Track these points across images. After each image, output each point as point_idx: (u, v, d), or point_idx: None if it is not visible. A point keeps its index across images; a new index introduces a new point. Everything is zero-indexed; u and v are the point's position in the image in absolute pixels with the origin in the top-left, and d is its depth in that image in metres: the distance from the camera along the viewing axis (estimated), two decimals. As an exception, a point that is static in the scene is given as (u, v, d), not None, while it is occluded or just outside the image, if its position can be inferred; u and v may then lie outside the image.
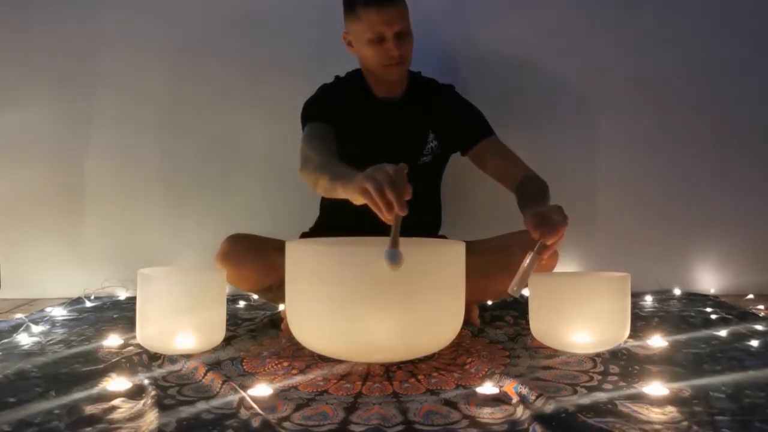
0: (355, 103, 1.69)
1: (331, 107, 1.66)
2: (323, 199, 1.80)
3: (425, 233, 1.69)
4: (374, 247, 1.36)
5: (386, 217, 1.13)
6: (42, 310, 1.83)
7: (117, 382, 1.13)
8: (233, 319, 1.69)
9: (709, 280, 2.13)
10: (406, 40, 1.61)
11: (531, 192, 1.56)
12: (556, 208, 1.36)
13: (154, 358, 1.33)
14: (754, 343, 1.40)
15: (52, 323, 1.68)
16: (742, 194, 2.12)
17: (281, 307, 1.68)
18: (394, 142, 1.68)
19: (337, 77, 1.76)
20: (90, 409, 1.02)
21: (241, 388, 1.08)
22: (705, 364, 1.25)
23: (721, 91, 2.10)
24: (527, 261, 1.35)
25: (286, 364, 1.28)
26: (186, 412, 1.01)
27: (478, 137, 1.72)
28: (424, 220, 1.76)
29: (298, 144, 1.61)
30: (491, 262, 1.53)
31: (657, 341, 1.40)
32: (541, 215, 1.35)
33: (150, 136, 2.15)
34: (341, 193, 1.26)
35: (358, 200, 1.19)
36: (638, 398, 1.05)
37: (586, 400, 1.04)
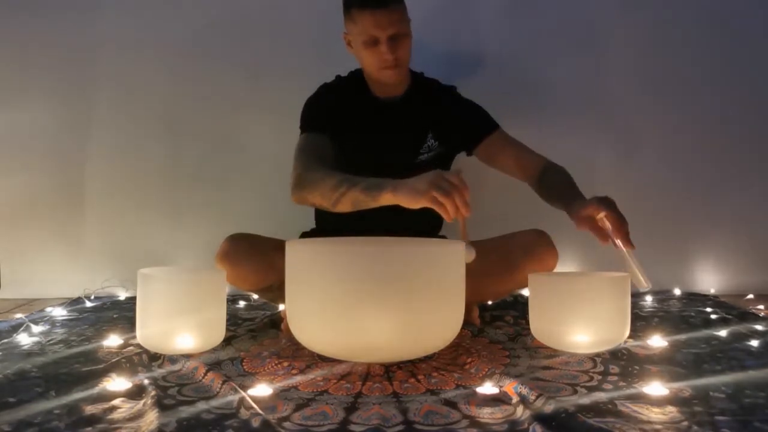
0: (354, 103, 1.69)
1: (327, 112, 1.66)
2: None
3: (425, 233, 1.69)
4: (374, 247, 1.37)
5: (451, 217, 1.26)
6: (42, 310, 1.83)
7: (117, 382, 1.13)
8: (233, 319, 1.69)
9: (709, 280, 2.13)
10: (402, 43, 1.60)
11: (561, 184, 1.56)
12: (598, 201, 1.37)
13: (154, 358, 1.32)
14: (754, 343, 1.40)
15: (52, 323, 1.68)
16: (742, 194, 2.12)
17: (281, 307, 1.69)
18: (391, 142, 1.69)
19: (338, 76, 1.76)
20: (90, 409, 1.02)
21: (241, 388, 1.08)
22: (705, 364, 1.25)
23: (722, 91, 2.11)
24: (627, 257, 1.34)
25: (286, 364, 1.28)
26: (186, 412, 1.01)
27: (481, 134, 1.71)
28: (423, 220, 1.76)
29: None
30: (491, 262, 1.54)
31: (657, 341, 1.40)
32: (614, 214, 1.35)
33: (150, 136, 2.15)
34: (389, 199, 1.35)
35: (416, 205, 1.30)
36: (638, 398, 1.05)
37: (586, 400, 1.04)
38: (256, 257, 1.55)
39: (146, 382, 1.15)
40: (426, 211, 1.77)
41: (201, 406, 1.03)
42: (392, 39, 1.58)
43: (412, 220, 1.63)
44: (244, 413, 0.99)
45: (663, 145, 2.12)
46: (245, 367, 1.28)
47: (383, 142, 1.68)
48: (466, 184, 1.25)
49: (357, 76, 1.73)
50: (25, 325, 1.58)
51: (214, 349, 1.38)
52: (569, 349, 1.33)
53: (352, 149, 1.69)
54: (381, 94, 1.70)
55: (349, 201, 1.41)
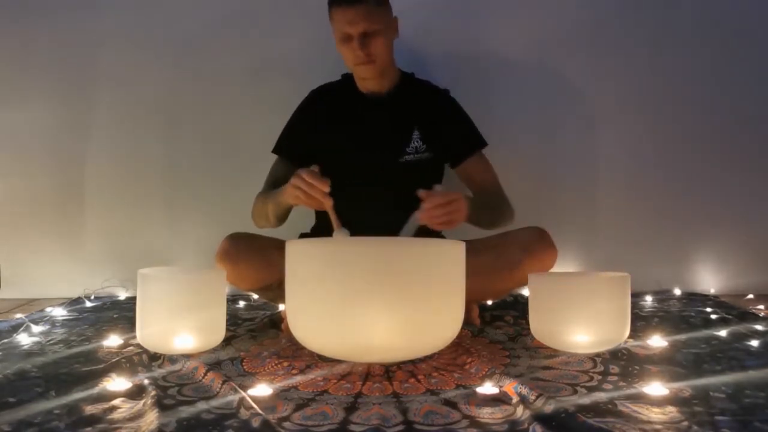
0: (341, 101, 1.74)
1: (298, 132, 1.75)
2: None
3: (425, 233, 1.69)
4: (374, 247, 1.37)
5: (319, 207, 1.45)
6: (42, 310, 1.83)
7: (117, 382, 1.13)
8: (233, 319, 1.69)
9: (709, 280, 2.12)
10: (374, 40, 1.61)
11: (483, 200, 1.66)
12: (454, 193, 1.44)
13: (154, 358, 1.33)
14: (754, 343, 1.40)
15: (52, 323, 1.68)
16: (742, 194, 2.12)
17: (281, 307, 1.69)
18: (376, 137, 1.70)
19: (329, 83, 1.81)
20: (90, 409, 1.02)
21: (241, 388, 1.08)
22: (705, 364, 1.25)
23: (721, 91, 2.10)
24: (410, 219, 1.44)
25: (286, 364, 1.28)
26: (186, 412, 1.01)
27: (463, 156, 1.74)
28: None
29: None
30: (491, 261, 1.53)
31: (657, 341, 1.40)
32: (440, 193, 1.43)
33: (150, 136, 2.15)
34: (283, 203, 1.55)
35: (294, 203, 1.50)
36: (638, 398, 1.05)
37: (586, 400, 1.04)
38: (255, 256, 1.55)
39: (146, 382, 1.15)
40: (416, 208, 1.78)
41: (201, 406, 1.03)
42: (364, 36, 1.60)
43: (401, 218, 1.64)
44: (244, 413, 0.99)
45: (663, 145, 2.12)
46: (245, 367, 1.28)
47: (368, 138, 1.70)
48: (321, 178, 1.41)
49: (348, 75, 1.78)
50: (25, 325, 1.58)
51: (214, 349, 1.38)
52: (569, 349, 1.33)
53: (338, 145, 1.71)
54: (366, 91, 1.73)
55: (271, 214, 1.64)
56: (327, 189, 1.40)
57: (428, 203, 1.39)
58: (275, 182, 1.72)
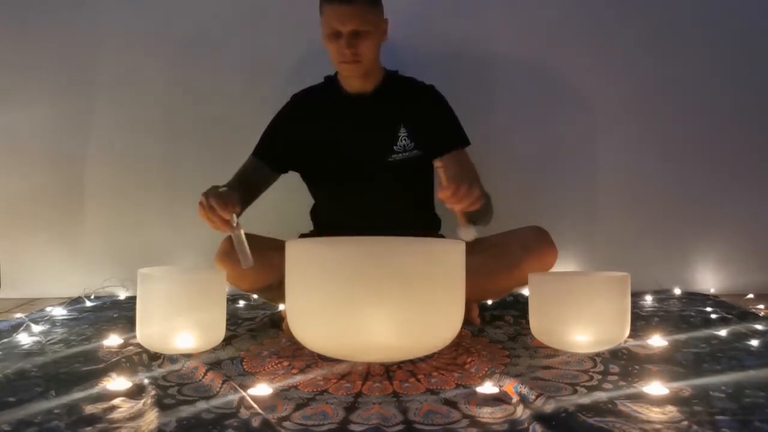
0: (325, 101, 1.73)
1: (278, 135, 1.74)
2: (312, 211, 1.84)
3: (420, 232, 1.69)
4: (374, 247, 1.37)
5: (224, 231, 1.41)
6: (42, 310, 1.83)
7: (117, 382, 1.13)
8: (233, 319, 1.69)
9: (709, 280, 2.13)
10: (363, 39, 1.61)
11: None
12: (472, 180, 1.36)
13: (154, 358, 1.33)
14: (754, 342, 1.40)
15: (52, 323, 1.68)
16: (742, 194, 2.12)
17: (281, 306, 1.69)
18: (363, 137, 1.70)
19: (310, 86, 1.80)
20: (90, 409, 1.02)
21: (241, 388, 1.08)
22: (705, 363, 1.26)
23: (722, 91, 2.10)
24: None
25: (286, 363, 1.28)
26: (186, 411, 1.01)
27: (447, 148, 1.70)
28: (421, 219, 1.76)
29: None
30: (491, 260, 1.53)
31: (657, 341, 1.40)
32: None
33: (150, 136, 2.15)
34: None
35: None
36: (638, 398, 1.05)
37: (586, 399, 1.04)
38: (255, 256, 1.54)
39: (146, 381, 1.15)
40: (412, 209, 1.77)
41: (201, 405, 1.03)
42: (353, 35, 1.60)
43: (410, 220, 1.64)
44: (244, 413, 0.99)
45: (663, 145, 2.12)
46: (245, 366, 1.28)
47: (354, 138, 1.70)
48: (225, 204, 1.37)
49: (330, 77, 1.77)
50: (25, 325, 1.58)
51: (214, 349, 1.38)
52: (569, 349, 1.33)
53: (326, 149, 1.71)
54: (351, 90, 1.73)
55: None
56: (228, 217, 1.36)
57: (451, 185, 1.30)
58: (241, 175, 1.70)
